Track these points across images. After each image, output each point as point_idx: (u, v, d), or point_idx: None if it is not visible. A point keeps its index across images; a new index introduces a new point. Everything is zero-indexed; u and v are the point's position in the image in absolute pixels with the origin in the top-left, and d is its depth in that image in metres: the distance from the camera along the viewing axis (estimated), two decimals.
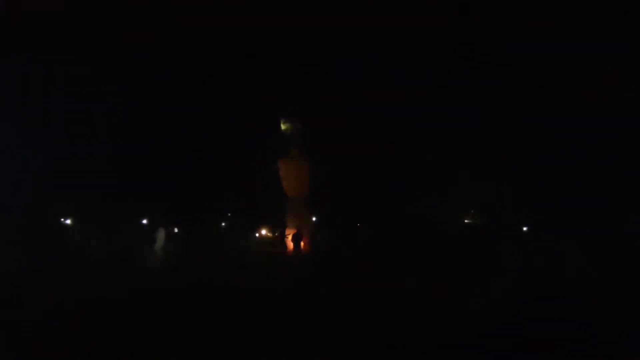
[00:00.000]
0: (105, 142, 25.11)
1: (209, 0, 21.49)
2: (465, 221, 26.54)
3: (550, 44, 21.17)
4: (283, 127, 22.64)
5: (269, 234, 24.63)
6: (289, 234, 21.69)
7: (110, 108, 23.74)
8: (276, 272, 14.34)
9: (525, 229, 25.70)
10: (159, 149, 25.07)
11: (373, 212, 23.07)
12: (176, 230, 24.03)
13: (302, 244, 20.47)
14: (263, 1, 21.34)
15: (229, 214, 27.29)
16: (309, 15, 20.68)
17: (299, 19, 20.99)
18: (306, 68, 21.88)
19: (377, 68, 21.51)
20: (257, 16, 21.68)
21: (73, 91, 23.34)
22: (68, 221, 25.65)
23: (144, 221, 25.71)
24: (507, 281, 11.38)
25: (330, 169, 22.52)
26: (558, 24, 20.57)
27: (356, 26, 20.49)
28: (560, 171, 22.20)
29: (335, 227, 21.70)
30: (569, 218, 20.60)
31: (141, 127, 25.04)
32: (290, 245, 21.34)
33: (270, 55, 22.36)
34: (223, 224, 26.86)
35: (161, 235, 19.07)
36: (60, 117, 23.32)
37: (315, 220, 23.76)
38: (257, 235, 24.63)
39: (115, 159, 25.68)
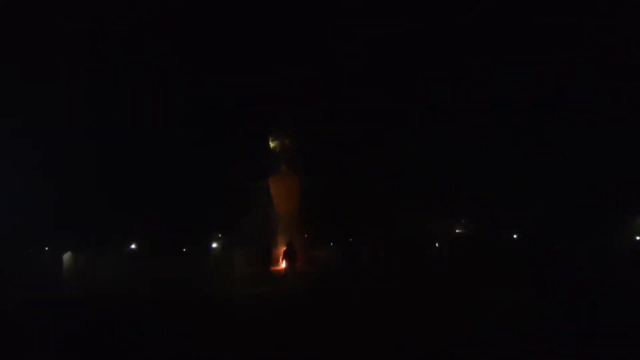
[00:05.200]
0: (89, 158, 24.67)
1: (197, 18, 21.50)
2: (457, 231, 26.65)
3: (541, 45, 21.60)
4: (272, 144, 22.59)
5: (262, 252, 24.23)
6: (282, 251, 21.37)
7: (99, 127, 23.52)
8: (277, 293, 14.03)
9: (515, 236, 25.96)
10: (147, 167, 24.68)
11: (367, 226, 22.98)
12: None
13: (296, 260, 20.12)
14: (252, 18, 21.41)
15: (219, 235, 26.90)
16: (299, 32, 20.82)
17: (288, 36, 21.11)
18: (296, 83, 21.91)
19: (366, 81, 21.66)
20: (246, 32, 21.76)
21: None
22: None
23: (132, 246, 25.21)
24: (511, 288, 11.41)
25: (322, 184, 22.44)
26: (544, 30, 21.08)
27: (346, 42, 20.67)
28: (551, 178, 22.53)
29: (337, 244, 21.52)
30: (560, 224, 20.86)
31: (128, 145, 24.71)
32: (284, 262, 21.03)
33: (260, 72, 22.35)
34: (214, 244, 26.45)
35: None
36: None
37: (307, 237, 23.55)
38: (249, 254, 24.24)
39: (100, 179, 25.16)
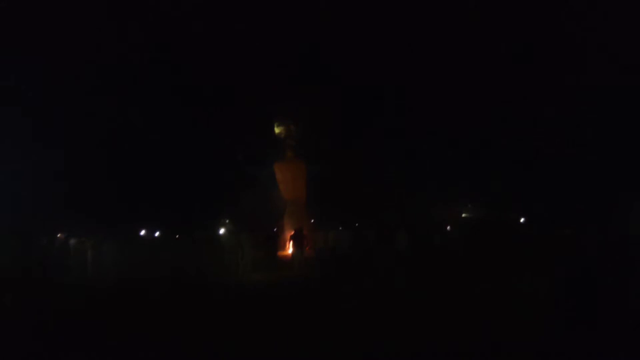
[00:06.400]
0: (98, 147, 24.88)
1: (203, 6, 21.40)
2: (463, 215, 26.63)
3: (547, 41, 21.34)
4: (277, 130, 22.60)
5: (269, 238, 24.42)
6: (288, 237, 21.54)
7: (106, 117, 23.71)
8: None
9: (522, 220, 25.87)
10: (155, 155, 24.87)
11: (374, 211, 23.03)
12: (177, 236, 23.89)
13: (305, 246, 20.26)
14: (257, 6, 21.27)
15: (227, 220, 27.08)
16: (303, 21, 20.66)
17: (293, 24, 20.97)
18: (300, 70, 21.85)
19: (371, 66, 21.54)
20: (252, 21, 21.66)
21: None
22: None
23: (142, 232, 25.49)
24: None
25: (327, 169, 22.47)
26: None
27: (351, 28, 20.51)
28: (557, 164, 22.38)
29: (344, 229, 21.62)
30: (568, 208, 20.75)
31: (136, 134, 24.90)
32: (291, 247, 21.20)
33: (265, 59, 22.28)
34: (221, 230, 26.64)
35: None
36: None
37: (314, 222, 23.66)
38: (256, 239, 24.43)
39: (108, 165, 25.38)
